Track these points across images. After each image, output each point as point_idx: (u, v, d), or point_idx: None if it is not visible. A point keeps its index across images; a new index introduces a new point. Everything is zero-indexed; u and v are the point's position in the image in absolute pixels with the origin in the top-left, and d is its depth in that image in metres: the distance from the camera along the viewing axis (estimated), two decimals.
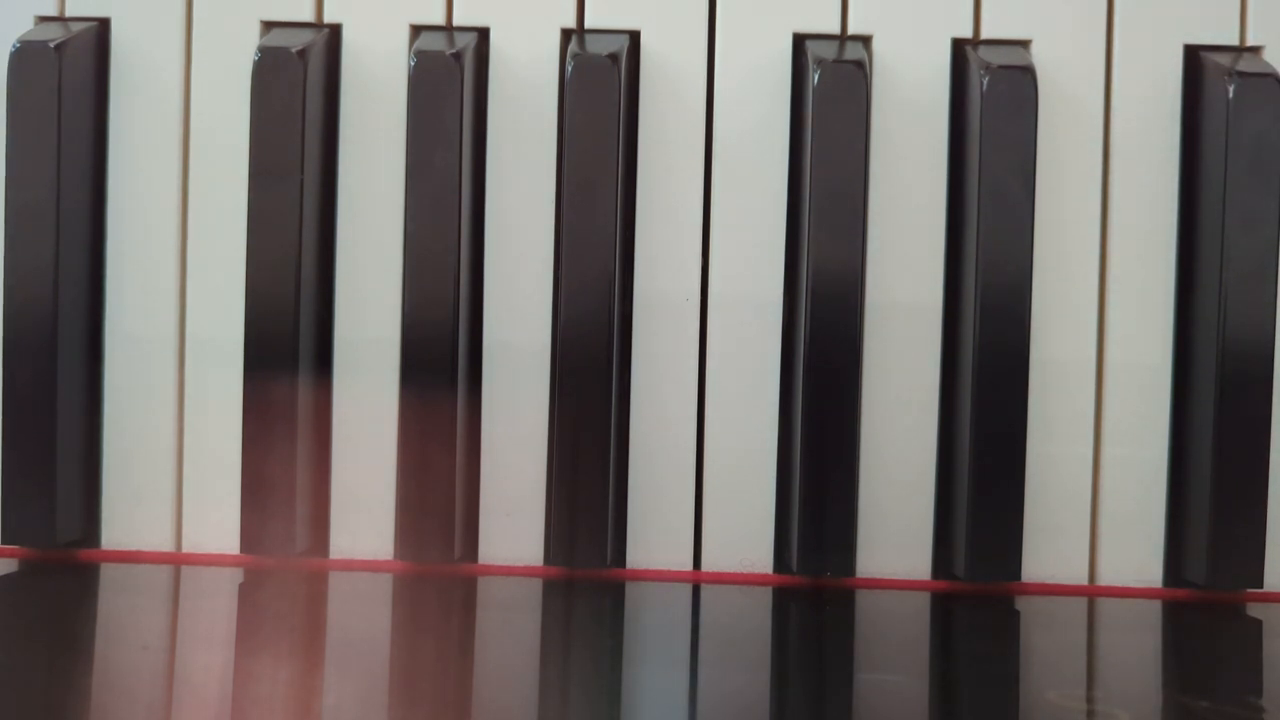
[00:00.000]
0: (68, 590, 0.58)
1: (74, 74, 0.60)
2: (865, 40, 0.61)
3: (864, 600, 0.59)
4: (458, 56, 0.59)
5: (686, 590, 0.60)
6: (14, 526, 0.60)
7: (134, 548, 0.62)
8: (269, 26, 0.62)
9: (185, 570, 0.60)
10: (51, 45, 0.60)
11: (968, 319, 0.59)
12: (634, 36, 0.62)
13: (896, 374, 0.61)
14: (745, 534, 0.61)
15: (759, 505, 0.61)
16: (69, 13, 0.62)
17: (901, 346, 0.61)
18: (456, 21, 0.62)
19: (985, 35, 0.62)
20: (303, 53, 0.59)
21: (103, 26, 0.62)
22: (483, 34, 0.62)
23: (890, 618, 0.58)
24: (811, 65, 0.59)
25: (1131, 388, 0.61)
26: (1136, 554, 0.61)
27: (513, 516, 0.61)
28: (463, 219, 0.59)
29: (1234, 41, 0.61)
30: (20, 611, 0.57)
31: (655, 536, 0.61)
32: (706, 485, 0.61)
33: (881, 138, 0.61)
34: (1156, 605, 0.60)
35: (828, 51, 0.60)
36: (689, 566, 0.61)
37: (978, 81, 0.59)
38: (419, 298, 0.59)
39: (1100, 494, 0.61)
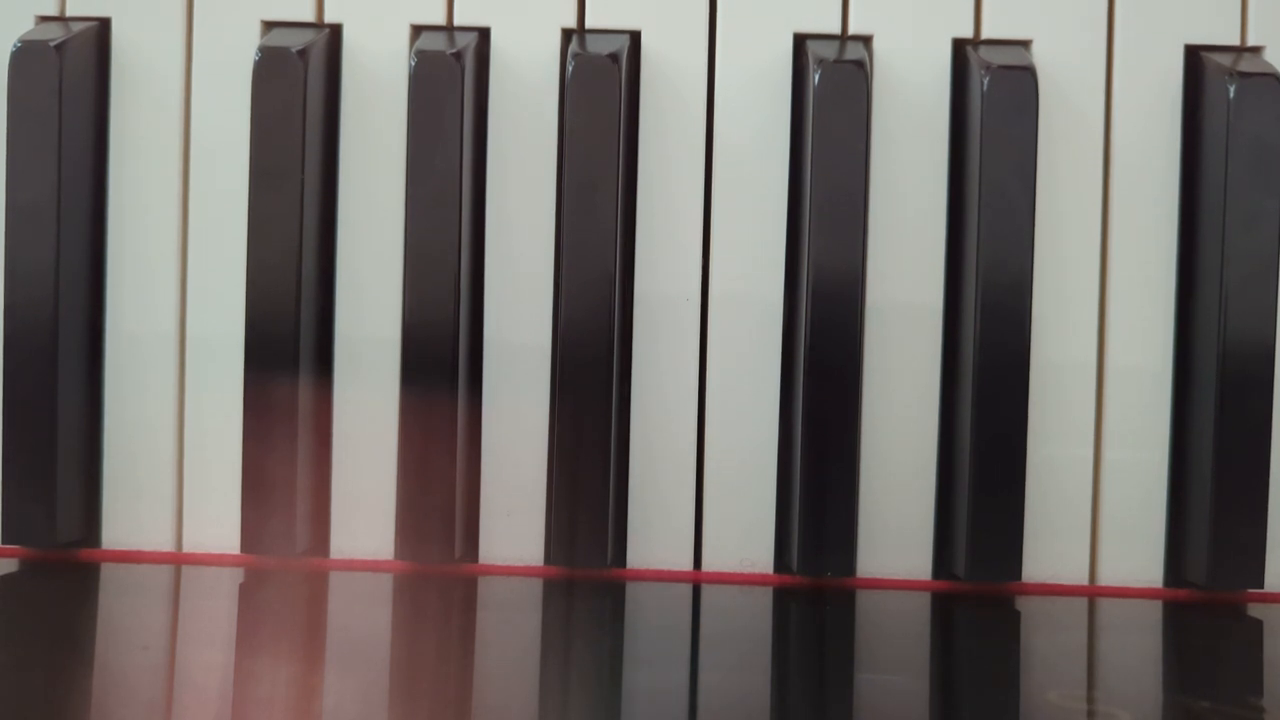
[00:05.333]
0: (68, 590, 0.58)
1: (74, 74, 0.60)
2: (866, 40, 0.61)
3: (864, 600, 0.59)
4: (458, 56, 0.59)
5: (687, 590, 0.60)
6: (14, 526, 0.60)
7: (134, 548, 0.62)
8: (269, 26, 0.62)
9: (185, 570, 0.60)
10: (52, 45, 0.60)
11: (968, 319, 0.59)
12: (634, 36, 0.62)
13: (897, 374, 0.61)
14: (746, 534, 0.61)
15: (759, 505, 0.61)
16: (69, 12, 0.62)
17: (902, 347, 0.61)
18: (457, 21, 0.62)
19: (986, 35, 0.62)
20: (303, 53, 0.59)
21: (103, 26, 0.62)
22: (483, 34, 0.62)
23: (890, 618, 0.58)
24: (812, 65, 0.59)
25: (1132, 388, 0.61)
26: (1137, 554, 0.61)
27: (513, 516, 0.61)
28: (463, 219, 0.59)
29: (1235, 41, 0.61)
30: (20, 611, 0.57)
31: (656, 536, 0.61)
32: (707, 485, 0.61)
33: (882, 138, 0.61)
34: (1157, 605, 0.60)
35: (828, 51, 0.60)
36: (689, 566, 0.61)
37: (978, 81, 0.59)
38: (419, 297, 0.59)
39: (1101, 494, 0.61)
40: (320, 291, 0.61)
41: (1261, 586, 0.59)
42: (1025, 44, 0.61)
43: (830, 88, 0.59)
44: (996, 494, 0.59)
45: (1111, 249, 0.61)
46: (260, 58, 0.59)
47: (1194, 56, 0.61)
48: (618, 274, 0.59)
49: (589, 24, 0.62)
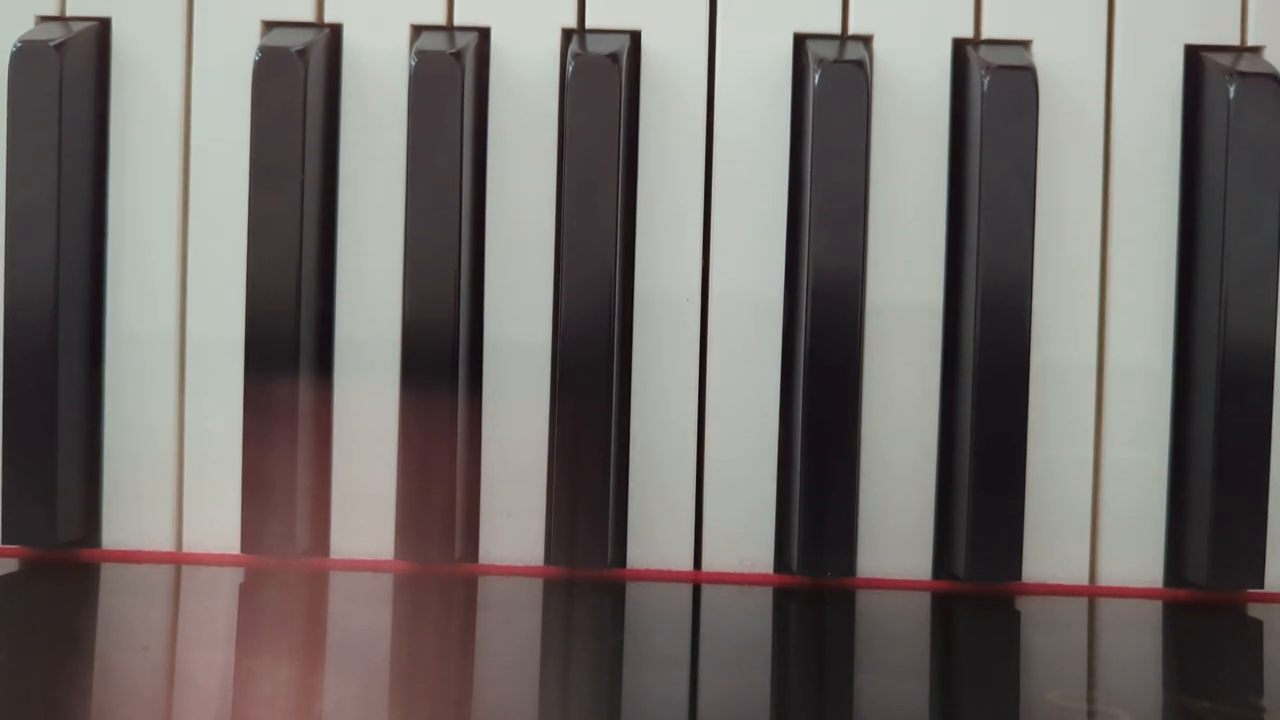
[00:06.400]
0: (68, 590, 0.58)
1: (74, 74, 0.60)
2: (866, 40, 0.61)
3: (864, 600, 0.59)
4: (458, 56, 0.59)
5: (687, 590, 0.60)
6: (14, 526, 0.60)
7: (134, 548, 0.62)
8: (269, 26, 0.62)
9: (185, 570, 0.60)
10: (52, 45, 0.60)
11: (968, 319, 0.59)
12: (634, 36, 0.62)
13: (897, 374, 0.61)
14: (746, 534, 0.61)
15: (759, 505, 0.61)
16: (70, 12, 0.62)
17: (902, 346, 0.61)
18: (457, 21, 0.62)
19: (986, 35, 0.62)
20: (303, 52, 0.59)
21: (103, 26, 0.62)
22: (483, 34, 0.62)
23: (890, 618, 0.58)
24: (812, 65, 0.59)
25: (1132, 388, 0.61)
26: (1137, 554, 0.61)
27: (513, 516, 0.61)
28: (463, 219, 0.59)
29: (1234, 41, 0.61)
30: (20, 611, 0.57)
31: (656, 536, 0.61)
32: (707, 485, 0.61)
33: (882, 138, 0.61)
34: (1157, 605, 0.60)
35: (828, 51, 0.60)
36: (689, 566, 0.61)
37: (978, 81, 0.59)
38: (419, 297, 0.59)
39: (1101, 494, 0.61)
40: (320, 291, 0.61)
41: (1261, 586, 0.59)
42: (1025, 44, 0.61)
43: (830, 88, 0.59)
44: (996, 494, 0.59)
45: (1111, 249, 0.61)
46: (260, 58, 0.59)
47: (1194, 56, 0.61)
48: (618, 273, 0.59)
49: (589, 24, 0.62)
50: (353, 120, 0.61)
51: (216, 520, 0.61)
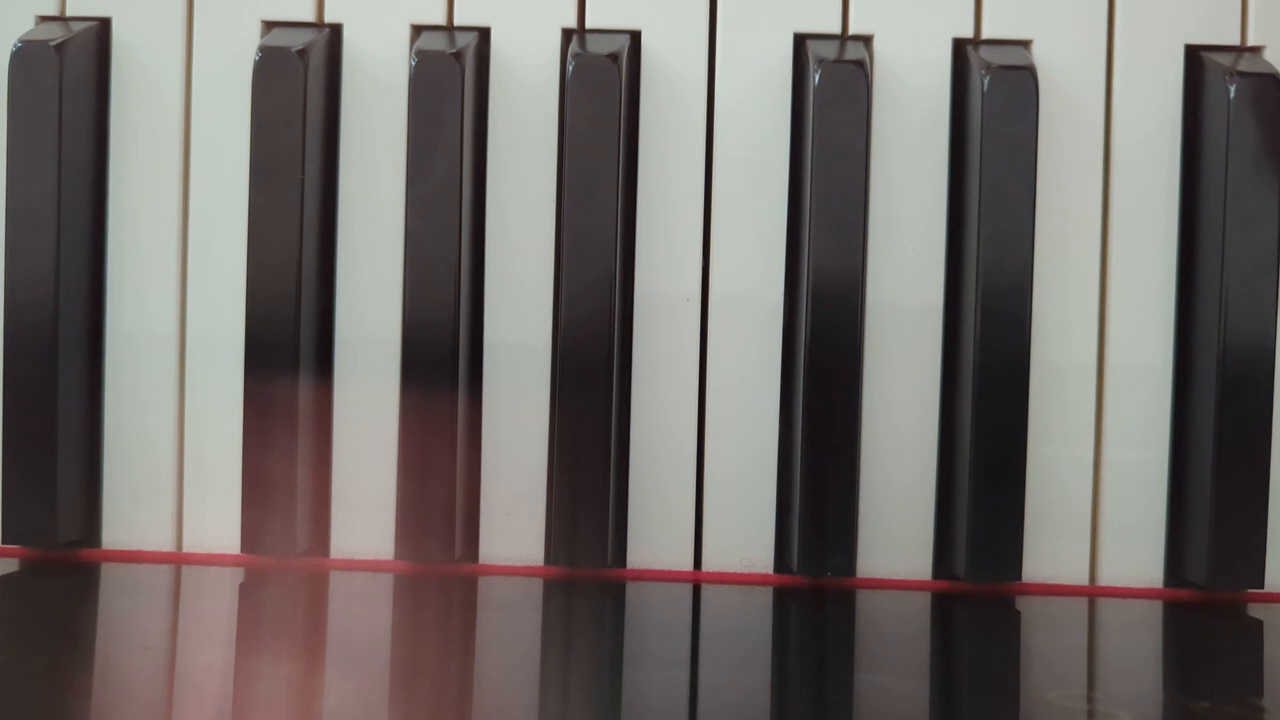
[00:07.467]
0: (68, 590, 0.58)
1: (74, 74, 0.60)
2: (866, 40, 0.61)
3: (864, 600, 0.59)
4: (459, 56, 0.59)
5: (687, 590, 0.60)
6: (15, 526, 0.60)
7: (134, 547, 0.62)
8: (269, 26, 0.62)
9: (185, 570, 0.60)
10: (52, 45, 0.60)
11: (968, 319, 0.59)
12: (635, 36, 0.62)
13: (897, 374, 0.61)
14: (746, 534, 0.61)
15: (760, 505, 0.61)
16: (70, 12, 0.62)
17: (902, 347, 0.61)
18: (457, 21, 0.62)
19: (986, 35, 0.62)
20: (303, 52, 0.59)
21: (103, 26, 0.62)
22: (483, 34, 0.62)
23: (890, 618, 0.58)
24: (812, 65, 0.59)
25: (1132, 388, 0.61)
26: (1137, 554, 0.61)
27: (513, 516, 0.61)
28: (463, 219, 0.59)
29: (1235, 41, 0.61)
30: (20, 611, 0.57)
31: (656, 536, 0.61)
32: (707, 485, 0.61)
33: (882, 138, 0.61)
34: (1157, 605, 0.60)
35: (828, 51, 0.60)
36: (690, 566, 0.61)
37: (979, 81, 0.59)
38: (420, 298, 0.59)
39: (1101, 494, 0.61)
40: (320, 291, 0.61)
41: (1262, 586, 0.59)
42: (1025, 44, 0.61)
43: (830, 87, 0.59)
44: (996, 494, 0.59)
45: (1111, 249, 0.61)
46: (260, 58, 0.59)
47: (1194, 56, 0.61)
48: (618, 274, 0.59)
49: (589, 24, 0.62)
50: (353, 120, 0.61)
51: (216, 520, 0.61)
